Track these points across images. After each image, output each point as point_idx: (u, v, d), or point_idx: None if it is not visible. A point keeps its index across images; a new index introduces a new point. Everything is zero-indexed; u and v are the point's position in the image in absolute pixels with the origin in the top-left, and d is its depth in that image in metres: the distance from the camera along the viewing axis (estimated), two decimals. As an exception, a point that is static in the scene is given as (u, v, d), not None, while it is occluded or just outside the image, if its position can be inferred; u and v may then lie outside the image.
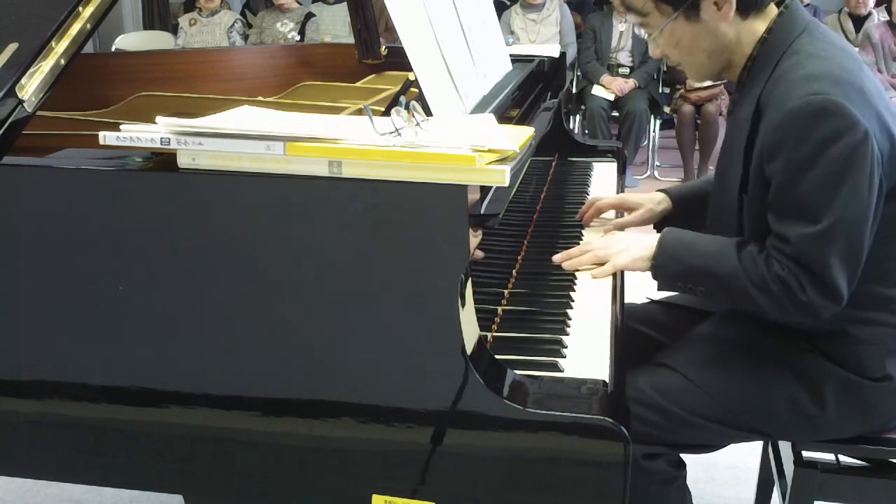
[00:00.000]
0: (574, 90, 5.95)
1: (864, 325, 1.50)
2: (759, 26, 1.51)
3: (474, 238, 1.18)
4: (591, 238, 1.80)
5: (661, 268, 1.53)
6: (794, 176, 1.38)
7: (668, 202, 1.88)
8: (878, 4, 6.10)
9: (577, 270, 1.65)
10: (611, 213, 1.97)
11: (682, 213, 1.87)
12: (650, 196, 1.90)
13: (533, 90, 2.08)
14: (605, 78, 5.76)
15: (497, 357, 1.24)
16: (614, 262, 1.61)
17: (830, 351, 1.52)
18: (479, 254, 1.48)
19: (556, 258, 1.67)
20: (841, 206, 1.37)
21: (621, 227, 1.88)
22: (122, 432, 1.28)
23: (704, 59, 1.56)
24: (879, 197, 1.42)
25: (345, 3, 2.98)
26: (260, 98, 2.21)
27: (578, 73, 6.02)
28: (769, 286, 1.41)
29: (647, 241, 1.57)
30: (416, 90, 1.39)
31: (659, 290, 1.58)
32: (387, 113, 1.25)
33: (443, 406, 1.16)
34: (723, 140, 1.64)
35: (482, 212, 1.20)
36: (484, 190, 1.21)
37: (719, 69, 1.58)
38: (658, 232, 1.87)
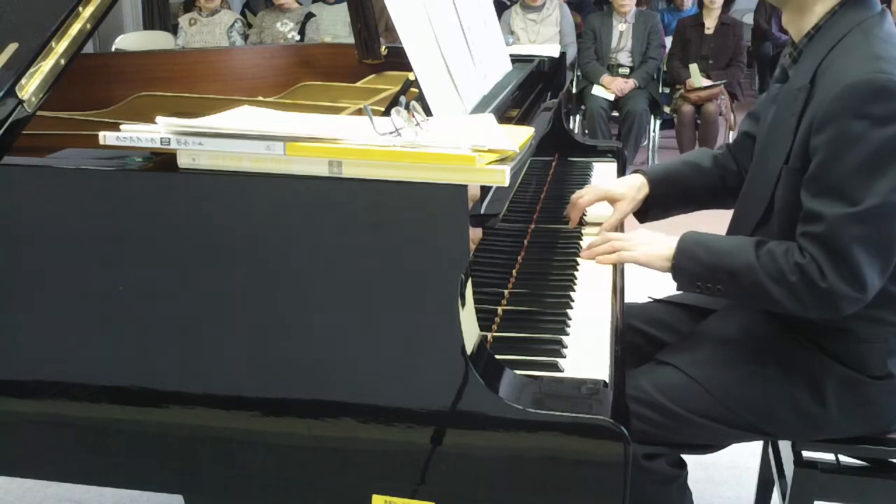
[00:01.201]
0: (574, 90, 5.95)
1: (867, 322, 1.50)
2: None
3: (474, 238, 1.18)
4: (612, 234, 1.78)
5: (681, 269, 1.53)
6: (841, 150, 1.36)
7: (646, 187, 1.86)
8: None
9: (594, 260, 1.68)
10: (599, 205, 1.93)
11: (660, 196, 1.87)
12: (630, 183, 1.87)
13: (533, 90, 2.08)
14: (605, 78, 5.77)
15: (497, 357, 1.24)
16: (631, 253, 1.61)
17: (832, 349, 1.52)
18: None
19: (583, 254, 1.71)
20: (885, 190, 1.34)
21: (615, 225, 1.87)
22: (122, 432, 1.28)
23: None
24: None
25: (345, 3, 2.98)
26: (260, 98, 2.21)
27: (578, 73, 6.02)
28: (787, 277, 1.39)
29: (666, 241, 1.57)
30: (416, 90, 1.39)
31: (678, 290, 1.57)
32: (387, 113, 1.25)
33: (443, 406, 1.16)
34: (768, 113, 1.59)
35: (482, 212, 1.20)
36: (484, 190, 1.21)
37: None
38: (640, 222, 1.89)
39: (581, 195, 1.88)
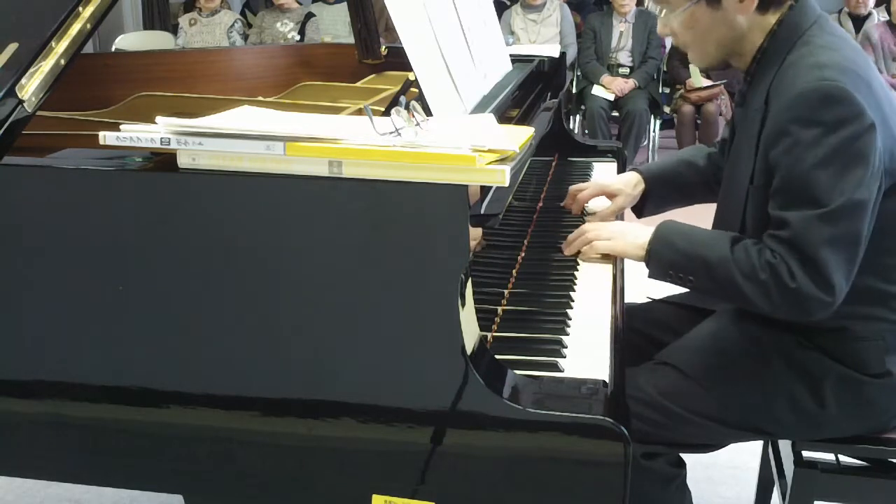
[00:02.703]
0: (574, 90, 5.95)
1: (864, 321, 1.50)
2: (770, 19, 1.52)
3: (474, 238, 1.18)
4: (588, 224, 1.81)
5: (655, 255, 1.54)
6: (800, 157, 1.38)
7: (642, 184, 1.91)
8: (878, 4, 6.10)
9: (578, 257, 1.71)
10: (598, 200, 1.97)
11: (656, 193, 1.91)
12: (626, 179, 1.92)
13: (533, 90, 2.08)
14: (605, 78, 5.77)
15: (497, 357, 1.24)
16: (607, 243, 1.64)
17: (830, 347, 1.52)
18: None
19: (563, 247, 1.74)
20: (845, 190, 1.36)
21: (607, 215, 1.90)
22: (122, 432, 1.28)
23: (713, 48, 1.56)
24: (878, 192, 1.42)
25: (345, 3, 2.98)
26: (260, 98, 2.21)
27: (578, 73, 6.02)
28: (758, 274, 1.40)
29: (642, 230, 1.59)
30: (416, 90, 1.39)
31: (650, 277, 1.58)
32: (387, 113, 1.25)
33: (443, 406, 1.16)
34: (732, 136, 1.63)
35: (482, 212, 1.20)
36: (484, 190, 1.21)
37: (724, 58, 1.58)
38: (637, 216, 1.94)
39: (581, 188, 1.95)
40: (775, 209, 1.42)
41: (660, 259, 1.53)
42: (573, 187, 1.97)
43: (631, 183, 1.90)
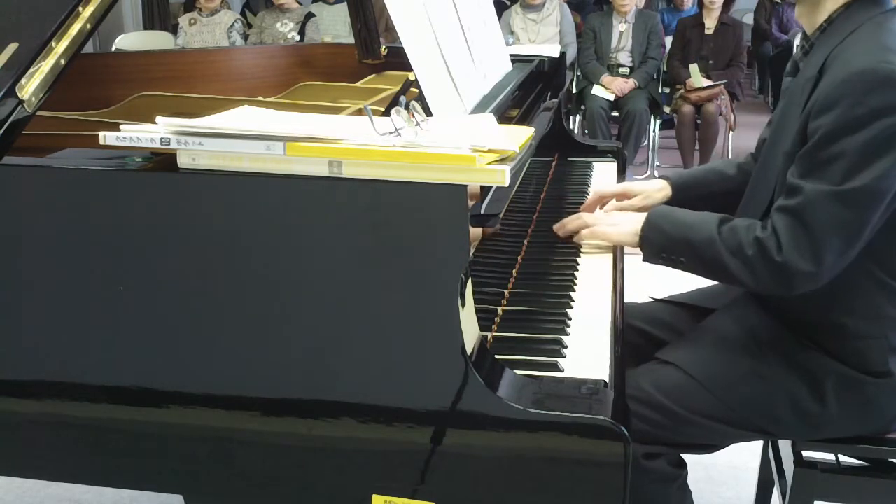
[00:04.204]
0: (574, 90, 5.95)
1: (869, 318, 1.50)
2: None
3: (474, 238, 1.18)
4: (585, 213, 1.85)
5: (646, 239, 1.57)
6: (836, 134, 1.37)
7: (668, 189, 1.90)
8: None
9: (576, 244, 1.76)
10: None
11: (682, 200, 1.87)
12: (652, 183, 1.93)
13: (533, 90, 2.08)
14: (605, 78, 5.77)
15: (497, 357, 1.24)
16: (602, 230, 1.68)
17: (832, 346, 1.52)
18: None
19: (555, 227, 1.79)
20: (872, 176, 1.35)
21: (620, 207, 1.90)
22: (122, 432, 1.28)
23: None
24: None
25: (345, 3, 2.98)
26: (260, 98, 2.21)
27: (578, 73, 6.02)
28: (744, 250, 1.42)
29: (637, 217, 1.62)
30: (416, 90, 1.39)
31: (644, 260, 1.61)
32: (387, 113, 1.25)
33: (443, 406, 1.16)
34: (776, 106, 1.63)
35: (482, 212, 1.20)
36: (484, 190, 1.21)
37: None
38: None
39: (605, 188, 1.98)
40: (794, 175, 1.42)
41: (651, 244, 1.57)
42: (597, 189, 2.01)
43: (655, 187, 1.91)
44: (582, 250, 1.77)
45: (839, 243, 1.38)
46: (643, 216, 1.60)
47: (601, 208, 1.93)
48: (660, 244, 1.55)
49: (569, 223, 1.78)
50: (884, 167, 1.35)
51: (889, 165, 1.35)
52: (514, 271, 1.68)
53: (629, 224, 1.63)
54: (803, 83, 1.49)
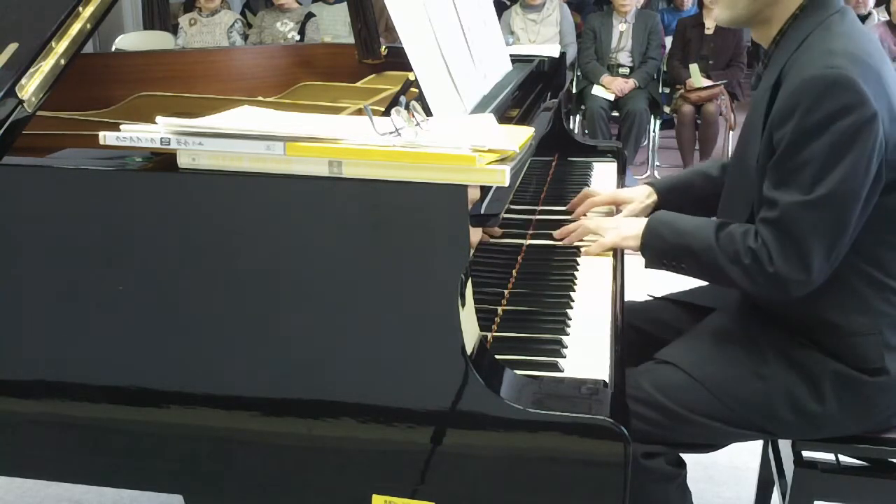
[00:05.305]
0: (574, 90, 5.95)
1: (862, 314, 1.51)
2: (795, 1, 1.53)
3: (475, 238, 1.18)
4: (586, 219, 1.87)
5: (648, 246, 1.61)
6: (798, 143, 1.41)
7: (654, 195, 1.94)
8: (878, 4, 6.10)
9: (579, 247, 1.76)
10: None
11: (669, 204, 1.92)
12: (639, 190, 1.96)
13: (533, 90, 2.08)
14: (605, 78, 5.77)
15: (497, 357, 1.24)
16: (605, 238, 1.72)
17: (828, 344, 1.53)
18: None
19: (556, 234, 1.81)
20: (837, 179, 1.39)
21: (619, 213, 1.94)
22: (122, 432, 1.28)
23: (744, 1, 1.55)
24: (876, 184, 1.43)
25: (345, 3, 2.98)
26: (260, 98, 2.21)
27: (578, 73, 6.02)
28: (741, 259, 1.46)
29: (637, 222, 1.65)
30: (416, 90, 1.39)
31: (646, 267, 1.63)
32: (387, 113, 1.25)
33: (443, 406, 1.16)
34: (746, 115, 1.66)
35: (482, 212, 1.20)
36: (484, 190, 1.21)
37: (750, 17, 1.57)
38: None
39: (594, 193, 1.99)
40: (769, 188, 1.46)
41: (652, 250, 1.60)
42: (588, 190, 2.03)
43: (644, 193, 1.94)
44: (582, 250, 1.77)
45: (824, 248, 1.42)
46: (643, 222, 1.62)
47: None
48: (661, 250, 1.58)
49: (572, 234, 1.80)
50: (847, 168, 1.39)
51: (852, 165, 1.39)
52: (514, 271, 1.68)
53: (630, 229, 1.66)
54: (762, 94, 1.54)
